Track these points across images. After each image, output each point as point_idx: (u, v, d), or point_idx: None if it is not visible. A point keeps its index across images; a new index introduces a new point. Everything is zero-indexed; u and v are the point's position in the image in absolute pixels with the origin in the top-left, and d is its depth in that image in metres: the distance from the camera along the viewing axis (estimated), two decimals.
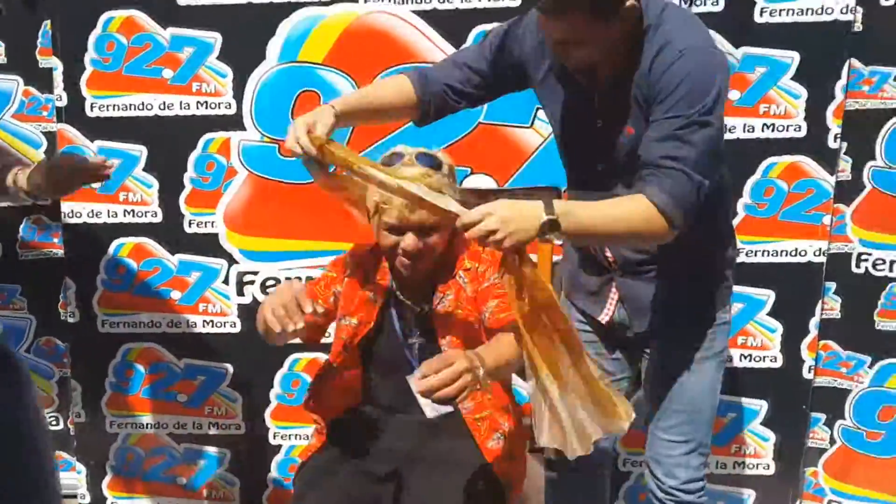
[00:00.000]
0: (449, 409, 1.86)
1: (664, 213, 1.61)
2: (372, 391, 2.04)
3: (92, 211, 2.60)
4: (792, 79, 2.34)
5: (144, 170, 2.57)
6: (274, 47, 2.46)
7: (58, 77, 2.51)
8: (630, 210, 1.63)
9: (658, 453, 2.01)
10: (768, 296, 2.47)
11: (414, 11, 2.41)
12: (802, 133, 2.36)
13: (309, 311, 1.70)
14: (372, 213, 1.87)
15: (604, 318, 1.97)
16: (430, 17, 2.41)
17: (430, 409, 1.86)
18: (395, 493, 1.91)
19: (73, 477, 2.88)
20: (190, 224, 2.60)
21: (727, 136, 2.29)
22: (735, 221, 2.36)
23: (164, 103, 2.52)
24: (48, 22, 2.52)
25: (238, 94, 2.50)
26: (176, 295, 2.66)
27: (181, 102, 2.51)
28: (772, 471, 2.58)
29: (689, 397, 1.95)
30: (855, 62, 2.36)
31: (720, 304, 1.94)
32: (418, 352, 1.97)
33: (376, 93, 1.95)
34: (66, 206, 2.60)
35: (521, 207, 1.58)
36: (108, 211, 2.60)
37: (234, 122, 2.51)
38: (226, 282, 2.63)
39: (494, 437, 1.96)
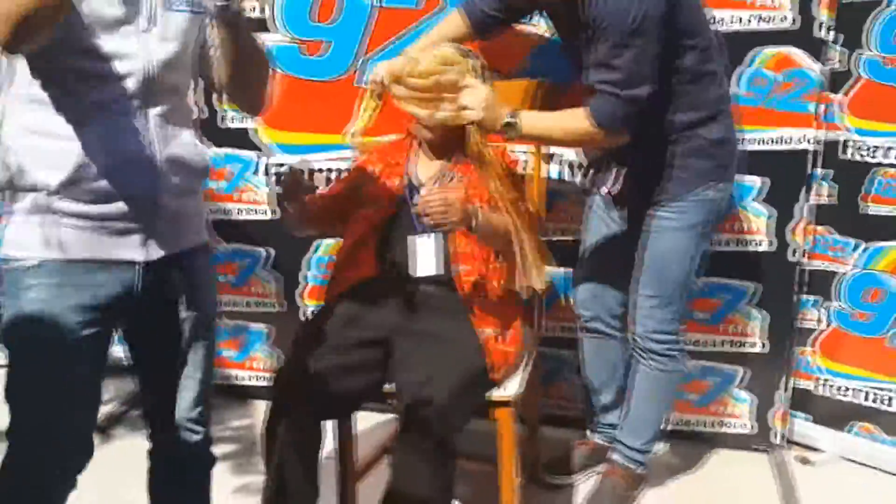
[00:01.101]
0: (437, 270, 2.14)
1: (599, 126, 2.06)
2: (381, 262, 2.25)
3: None
4: None
5: None
6: None
7: None
8: (574, 124, 2.10)
9: (633, 304, 2.33)
10: (758, 182, 2.59)
11: None
12: (790, 24, 2.45)
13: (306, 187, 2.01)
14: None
15: (604, 190, 2.35)
16: None
17: (421, 268, 2.13)
18: (384, 361, 2.10)
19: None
20: (228, 120, 2.87)
21: (717, 27, 2.42)
22: None
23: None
24: None
25: None
26: (220, 184, 2.95)
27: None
28: (761, 349, 2.73)
29: (660, 258, 2.26)
30: None
31: (700, 180, 2.21)
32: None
33: (440, 35, 2.34)
34: None
35: (497, 105, 2.07)
36: None
37: (264, 25, 2.74)
38: (259, 172, 2.90)
39: (479, 299, 2.16)
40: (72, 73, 1.50)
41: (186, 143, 1.66)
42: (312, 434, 2.04)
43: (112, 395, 2.96)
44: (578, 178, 2.68)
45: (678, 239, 2.26)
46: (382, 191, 2.26)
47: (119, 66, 1.53)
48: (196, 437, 1.84)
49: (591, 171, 2.46)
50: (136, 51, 1.54)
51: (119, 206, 1.57)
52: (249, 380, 3.15)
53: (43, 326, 1.56)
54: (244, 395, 3.14)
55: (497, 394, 2.10)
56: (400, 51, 2.32)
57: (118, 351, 1.81)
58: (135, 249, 1.61)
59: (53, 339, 1.57)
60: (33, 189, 1.54)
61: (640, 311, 2.34)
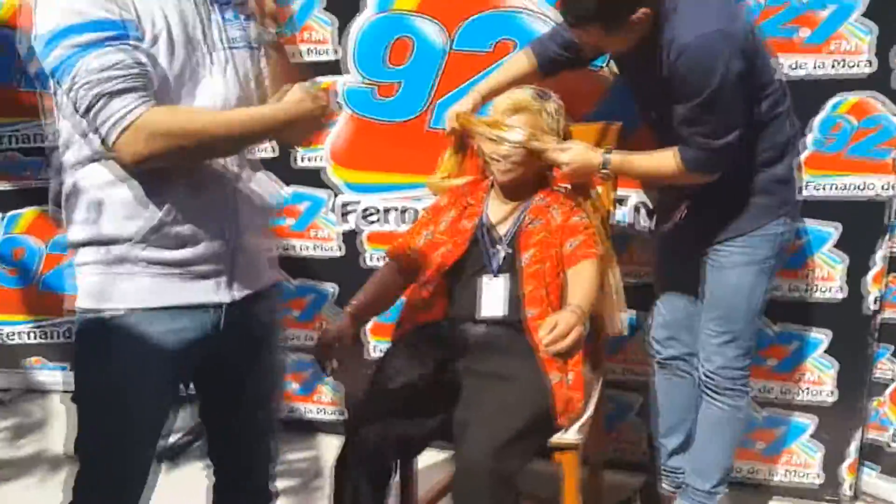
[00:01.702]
0: (503, 312, 2.16)
1: (692, 172, 2.14)
2: (451, 303, 2.28)
3: None
4: (863, 15, 2.39)
5: None
6: None
7: None
8: (667, 165, 2.17)
9: (702, 341, 2.35)
10: (834, 228, 2.55)
11: None
12: (869, 70, 2.42)
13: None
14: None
15: (669, 226, 2.37)
16: None
17: (486, 309, 2.16)
18: (451, 401, 2.07)
19: None
20: (301, 159, 2.93)
21: (796, 73, 2.44)
22: (803, 156, 2.48)
23: None
24: None
25: (341, 42, 2.79)
26: (290, 222, 3.01)
27: (291, 51, 2.83)
28: (834, 399, 2.67)
29: (728, 294, 2.28)
30: None
31: (765, 217, 2.23)
32: (502, 260, 2.23)
33: (506, 72, 2.41)
34: None
35: (588, 155, 2.21)
36: None
37: (338, 68, 2.81)
38: (332, 210, 2.95)
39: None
40: None
41: (262, 182, 1.70)
42: (383, 472, 2.05)
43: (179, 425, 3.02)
44: (644, 221, 2.68)
45: (745, 274, 2.26)
46: (456, 233, 2.29)
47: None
48: (262, 479, 1.87)
49: (659, 211, 2.49)
50: (211, 95, 1.57)
51: (203, 249, 1.61)
52: (314, 413, 3.19)
53: (131, 377, 1.59)
54: (308, 428, 3.18)
55: (561, 438, 2.09)
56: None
57: None
58: (220, 292, 1.64)
59: (140, 388, 1.60)
60: (115, 241, 1.56)
61: (708, 347, 2.34)
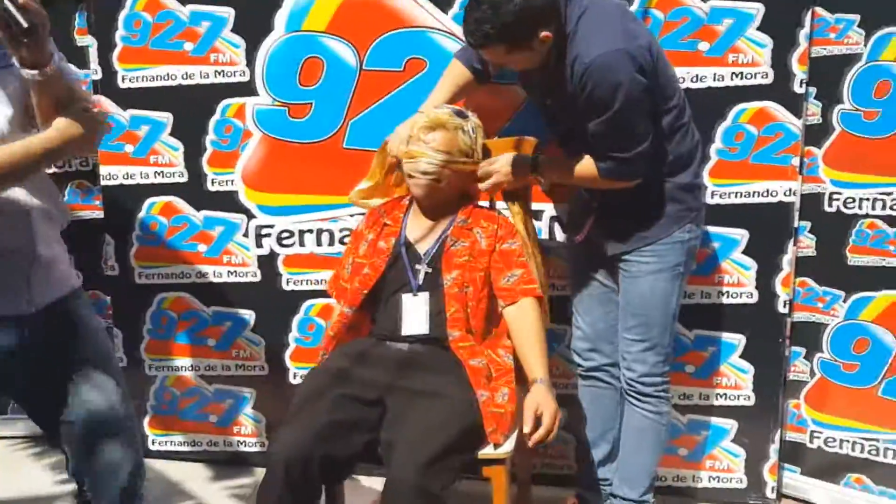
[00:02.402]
0: (425, 329, 2.15)
1: (605, 179, 2.21)
2: (374, 322, 2.28)
3: (126, 173, 2.89)
4: (758, 29, 2.48)
5: (171, 134, 2.85)
6: (281, 19, 2.71)
7: (93, 53, 2.82)
8: (588, 173, 2.23)
9: (622, 350, 2.40)
10: (742, 235, 2.62)
11: None
12: (769, 80, 2.50)
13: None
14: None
15: (579, 237, 2.40)
16: None
17: (408, 327, 2.15)
18: (380, 419, 2.07)
19: None
20: (212, 182, 2.87)
21: (697, 84, 2.52)
22: (708, 166, 2.56)
23: (186, 73, 2.80)
24: (83, 4, 2.84)
25: (251, 63, 2.75)
26: (202, 248, 2.93)
27: (201, 72, 2.79)
28: (752, 401, 2.72)
29: (642, 302, 2.32)
30: (820, 10, 2.50)
31: (672, 225, 2.28)
32: (423, 279, 2.23)
33: (448, 84, 2.43)
34: (103, 170, 2.91)
35: (516, 160, 2.29)
36: (141, 173, 2.89)
37: (248, 89, 2.77)
38: (245, 235, 2.89)
39: (477, 360, 2.17)
40: None
41: (52, 194, 1.85)
42: (310, 495, 2.00)
43: None
44: (559, 235, 2.72)
45: (657, 281, 2.31)
46: (375, 254, 2.28)
47: None
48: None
49: (569, 223, 2.55)
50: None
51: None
52: (233, 446, 3.09)
53: None
54: (230, 461, 3.08)
55: (490, 452, 2.08)
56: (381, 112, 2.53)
57: None
58: (19, 303, 1.77)
59: None
60: None
61: (628, 356, 2.38)
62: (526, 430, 2.02)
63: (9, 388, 1.95)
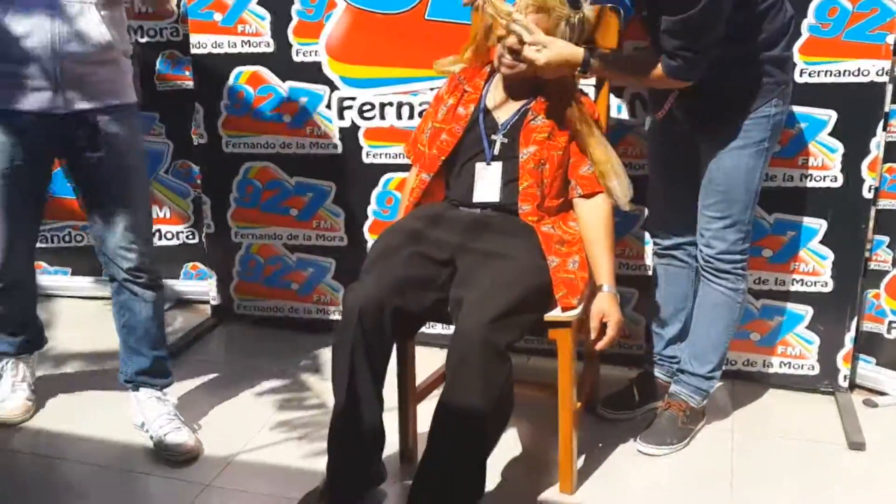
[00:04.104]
0: (496, 198, 2.18)
1: (672, 78, 2.15)
2: (448, 186, 2.32)
3: (215, 42, 2.96)
4: None
5: (259, 3, 2.89)
6: None
7: None
8: (648, 70, 2.17)
9: (701, 227, 2.37)
10: (830, 115, 2.53)
11: None
12: None
13: None
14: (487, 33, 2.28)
15: (660, 114, 2.35)
16: None
17: (480, 194, 2.18)
18: (450, 278, 2.12)
19: (205, 284, 3.35)
20: (297, 53, 2.92)
21: None
22: (799, 42, 2.46)
23: None
24: None
25: None
26: (287, 118, 3.00)
27: None
28: (830, 288, 2.68)
29: (725, 178, 2.29)
30: None
31: (760, 98, 2.22)
32: (499, 149, 2.24)
33: None
34: (193, 38, 2.98)
35: (570, 51, 2.16)
36: (228, 42, 2.95)
37: None
38: (328, 106, 2.95)
39: (548, 226, 2.20)
40: None
41: (90, 20, 2.18)
42: (381, 348, 2.07)
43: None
44: (638, 114, 2.69)
45: (741, 157, 2.26)
46: (453, 119, 2.29)
47: None
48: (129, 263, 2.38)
49: (651, 99, 2.49)
50: None
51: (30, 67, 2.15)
52: (315, 313, 3.22)
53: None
54: (307, 328, 3.21)
55: (557, 315, 2.12)
56: None
57: None
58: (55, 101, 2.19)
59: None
60: None
61: (707, 232, 2.36)
62: (592, 336, 2.11)
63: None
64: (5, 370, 2.62)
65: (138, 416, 2.47)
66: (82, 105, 2.22)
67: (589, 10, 2.24)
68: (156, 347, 2.48)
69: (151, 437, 2.40)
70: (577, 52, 2.16)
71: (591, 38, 2.30)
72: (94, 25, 2.18)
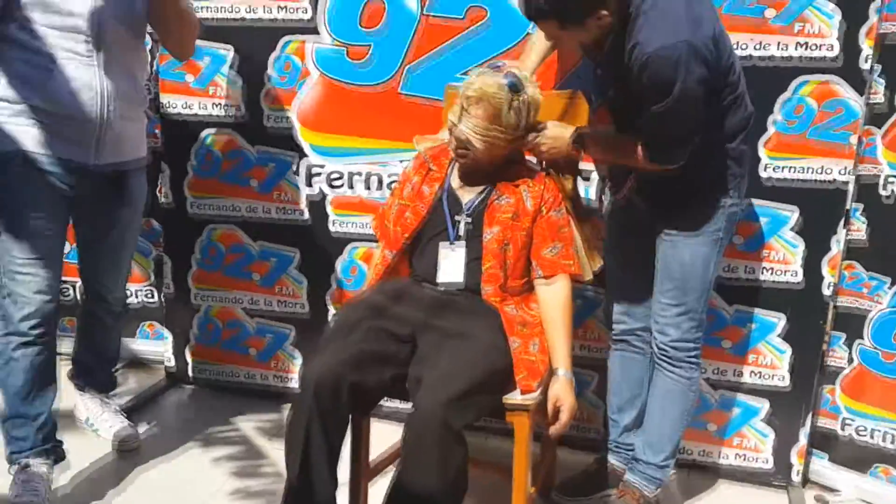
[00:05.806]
0: (459, 279, 2.17)
1: (651, 163, 2.18)
2: (411, 265, 2.31)
3: (185, 103, 2.96)
4: None
5: (231, 68, 2.91)
6: None
7: None
8: (632, 154, 2.19)
9: (656, 313, 2.37)
10: (793, 212, 2.57)
11: None
12: (835, 53, 2.44)
13: None
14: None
15: (619, 195, 2.40)
16: None
17: (444, 276, 2.18)
18: (410, 355, 2.10)
19: (161, 345, 3.29)
20: (268, 119, 2.92)
21: (760, 52, 2.48)
22: (764, 137, 2.53)
23: (250, 7, 2.85)
24: None
25: (314, 1, 2.78)
26: (254, 183, 2.99)
27: (264, 6, 2.84)
28: (787, 383, 2.69)
29: (680, 267, 2.30)
30: None
31: (718, 190, 2.26)
32: (462, 230, 2.23)
33: (539, 46, 2.44)
34: (163, 98, 2.98)
35: (561, 131, 2.26)
36: (199, 104, 2.96)
37: (310, 27, 2.80)
38: (297, 173, 2.94)
39: (511, 307, 2.19)
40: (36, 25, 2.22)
41: (129, 79, 2.40)
42: (337, 423, 2.04)
43: None
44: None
45: (697, 246, 2.28)
46: (417, 198, 2.29)
47: (73, 21, 2.24)
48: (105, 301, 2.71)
49: (610, 184, 2.53)
50: (87, 8, 2.25)
51: (75, 121, 2.30)
52: (272, 380, 3.17)
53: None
54: (264, 394, 3.16)
55: (516, 398, 2.10)
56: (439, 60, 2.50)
57: None
58: (88, 156, 2.37)
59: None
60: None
61: (661, 320, 2.36)
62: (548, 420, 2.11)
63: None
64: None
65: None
66: (113, 159, 2.43)
67: (534, 91, 2.21)
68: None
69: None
70: (568, 129, 2.26)
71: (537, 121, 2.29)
72: (138, 86, 2.47)
